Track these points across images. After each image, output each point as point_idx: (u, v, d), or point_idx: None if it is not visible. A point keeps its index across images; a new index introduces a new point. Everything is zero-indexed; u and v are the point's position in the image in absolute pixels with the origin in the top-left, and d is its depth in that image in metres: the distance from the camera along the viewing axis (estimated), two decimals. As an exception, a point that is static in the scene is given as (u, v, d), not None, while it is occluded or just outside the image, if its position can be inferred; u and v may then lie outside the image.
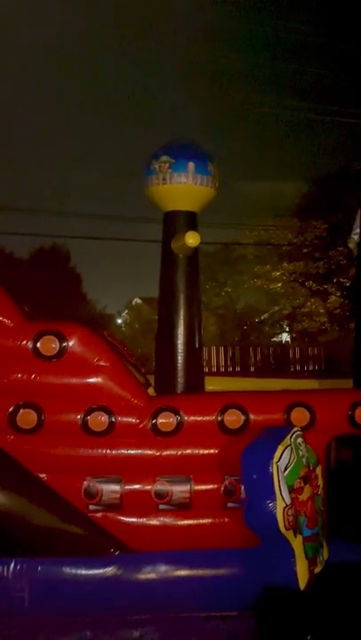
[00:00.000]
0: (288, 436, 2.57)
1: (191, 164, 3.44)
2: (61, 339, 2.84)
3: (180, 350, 3.47)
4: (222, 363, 14.16)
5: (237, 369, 13.98)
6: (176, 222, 3.57)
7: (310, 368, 13.87)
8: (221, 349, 14.39)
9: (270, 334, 19.96)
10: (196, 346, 3.55)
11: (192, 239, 3.33)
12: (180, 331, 3.49)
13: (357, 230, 3.56)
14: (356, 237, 3.57)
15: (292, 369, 13.84)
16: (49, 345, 2.82)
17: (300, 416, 2.90)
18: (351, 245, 3.65)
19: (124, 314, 30.39)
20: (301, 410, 2.91)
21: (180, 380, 3.45)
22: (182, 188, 3.47)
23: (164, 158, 3.48)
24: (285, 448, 2.50)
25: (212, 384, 4.18)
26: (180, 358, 3.47)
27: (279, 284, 18.16)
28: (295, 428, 2.68)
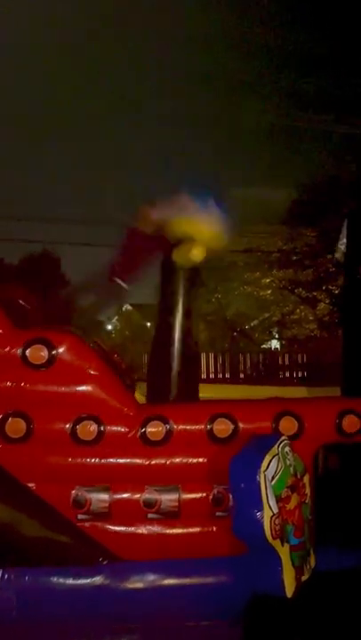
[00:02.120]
0: (276, 445, 2.59)
1: (215, 208, 3.42)
2: (50, 347, 2.84)
3: (175, 358, 3.43)
4: (212, 369, 14.19)
5: (227, 376, 14.02)
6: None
7: (300, 375, 13.93)
8: (211, 356, 14.42)
9: (260, 341, 20.04)
10: (192, 354, 3.53)
11: (197, 252, 3.33)
12: (177, 339, 3.46)
13: (344, 240, 3.60)
14: (342, 247, 3.61)
15: (281, 376, 13.90)
16: (38, 353, 2.82)
17: (288, 425, 2.92)
18: (338, 255, 3.69)
19: (113, 320, 30.33)
20: (289, 418, 2.93)
21: (174, 387, 3.43)
22: (203, 226, 3.42)
23: (191, 196, 3.44)
24: (273, 457, 2.52)
25: (201, 391, 4.19)
26: (176, 366, 3.44)
27: (269, 291, 18.27)
28: (283, 437, 2.71)
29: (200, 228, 3.36)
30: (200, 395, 3.95)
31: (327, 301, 16.46)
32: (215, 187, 3.56)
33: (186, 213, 3.35)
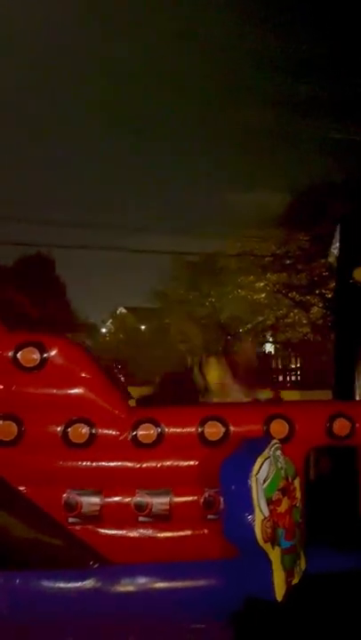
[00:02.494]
0: (267, 449, 2.60)
1: None
2: (42, 350, 2.84)
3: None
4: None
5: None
6: None
7: (293, 379, 13.97)
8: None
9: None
10: None
11: None
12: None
13: (336, 244, 3.62)
14: (335, 251, 3.63)
15: (274, 379, 13.93)
16: (30, 356, 2.82)
17: (279, 428, 2.93)
18: (331, 259, 3.72)
19: (108, 323, 30.30)
20: (280, 422, 2.95)
21: None
22: None
23: None
24: (265, 460, 2.53)
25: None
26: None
27: (263, 295, 18.34)
28: (274, 440, 2.72)
29: None
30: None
31: (320, 305, 16.53)
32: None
33: None
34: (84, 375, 2.89)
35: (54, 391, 2.86)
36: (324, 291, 16.05)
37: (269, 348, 20.35)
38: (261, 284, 18.05)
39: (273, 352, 19.17)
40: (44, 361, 2.83)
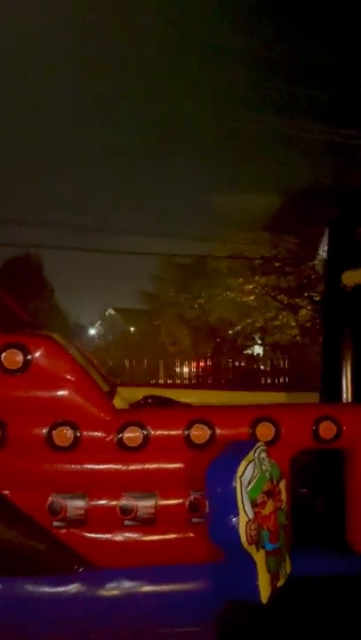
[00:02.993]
0: (252, 452, 2.60)
1: None
2: (26, 352, 2.82)
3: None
4: (194, 375, 14.20)
5: (209, 381, 14.05)
6: None
7: (281, 381, 14.02)
8: (193, 362, 14.44)
9: (243, 346, 20.15)
10: None
11: None
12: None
13: (325, 248, 3.64)
14: (323, 255, 3.64)
15: (263, 381, 13.97)
16: (13, 358, 2.80)
17: (265, 431, 2.93)
18: (317, 263, 3.73)
19: (97, 324, 30.24)
20: (267, 424, 2.95)
21: None
22: None
23: None
24: (249, 463, 2.53)
25: (183, 396, 4.20)
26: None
27: (252, 297, 18.42)
28: (259, 443, 2.72)
29: None
30: (182, 400, 3.96)
31: (309, 308, 16.63)
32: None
33: None
34: (68, 377, 2.87)
35: (38, 393, 2.84)
36: (312, 293, 16.15)
37: (258, 350, 20.42)
38: (250, 287, 18.12)
39: (261, 354, 19.23)
40: (27, 363, 2.81)
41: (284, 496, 2.77)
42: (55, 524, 2.82)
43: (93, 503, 2.85)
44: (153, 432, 2.89)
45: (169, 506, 2.89)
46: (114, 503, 2.87)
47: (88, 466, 2.86)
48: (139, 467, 2.88)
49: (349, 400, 3.41)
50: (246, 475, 2.50)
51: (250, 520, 2.45)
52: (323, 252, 3.62)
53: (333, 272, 3.59)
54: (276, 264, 16.84)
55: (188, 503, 2.90)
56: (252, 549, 2.48)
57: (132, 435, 2.87)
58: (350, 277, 3.46)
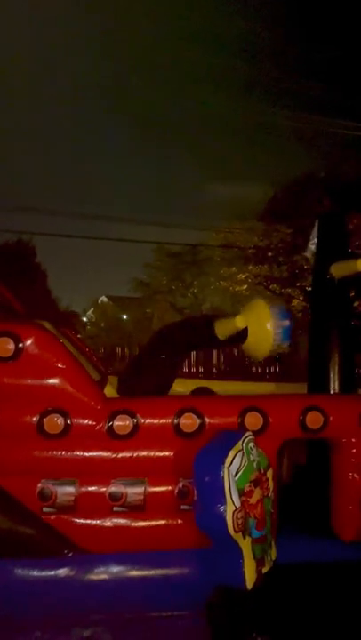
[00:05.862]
0: (240, 441, 2.64)
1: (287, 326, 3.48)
2: (17, 339, 2.83)
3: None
4: (185, 364, 14.25)
5: (200, 370, 14.11)
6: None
7: (272, 370, 14.11)
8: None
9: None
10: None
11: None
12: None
13: (314, 240, 3.66)
14: (312, 247, 3.67)
15: (254, 371, 14.05)
16: (4, 346, 2.81)
17: (253, 420, 2.97)
18: (308, 254, 3.75)
19: (89, 312, 30.14)
20: (255, 414, 2.98)
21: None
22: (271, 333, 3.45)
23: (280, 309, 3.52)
24: (237, 453, 2.57)
25: (176, 386, 4.23)
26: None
27: (244, 287, 18.43)
28: (247, 433, 2.76)
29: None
30: (175, 389, 3.99)
31: (301, 298, 16.68)
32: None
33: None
34: (59, 365, 2.89)
35: (29, 381, 2.85)
36: (304, 284, 16.19)
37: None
38: (243, 276, 18.14)
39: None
40: (19, 351, 2.82)
41: (271, 484, 2.82)
42: (45, 509, 2.86)
43: (83, 489, 2.89)
44: (143, 420, 2.92)
45: (158, 493, 2.93)
46: (103, 490, 2.90)
47: (78, 453, 2.89)
48: (128, 454, 2.92)
49: (336, 390, 3.46)
50: (234, 464, 2.54)
51: (237, 509, 2.50)
52: (312, 244, 3.64)
53: (322, 264, 3.61)
54: (269, 254, 16.87)
55: (176, 490, 2.94)
56: (238, 537, 2.53)
57: (121, 423, 2.90)
58: (338, 269, 3.48)
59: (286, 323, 3.44)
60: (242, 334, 3.54)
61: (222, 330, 3.58)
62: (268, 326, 3.43)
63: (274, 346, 3.44)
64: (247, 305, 3.65)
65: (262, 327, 3.44)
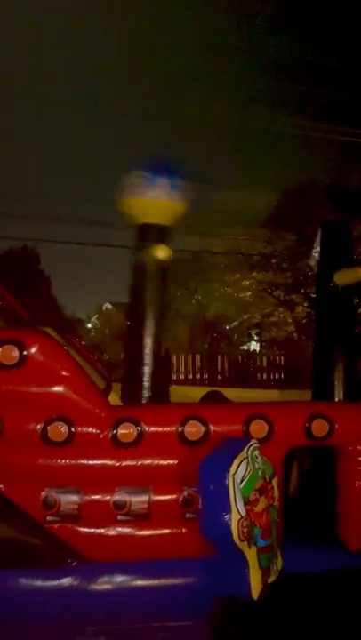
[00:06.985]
0: (245, 449, 2.62)
1: (164, 180, 3.48)
2: (22, 347, 2.83)
3: (147, 358, 3.49)
4: (190, 370, 14.22)
5: (205, 376, 14.06)
6: (147, 234, 3.58)
7: (276, 377, 14.06)
8: (190, 357, 14.45)
9: (239, 342, 20.15)
10: (163, 354, 3.58)
11: (162, 253, 3.41)
12: (148, 339, 3.51)
13: (318, 248, 3.65)
14: (316, 254, 3.66)
15: (258, 377, 14.00)
16: (9, 354, 2.81)
17: (258, 428, 2.95)
18: (312, 262, 3.75)
19: (93, 319, 30.14)
20: (260, 422, 2.97)
21: (146, 387, 3.48)
22: (154, 202, 3.49)
23: (139, 173, 3.51)
24: (242, 461, 2.55)
25: (177, 393, 4.21)
26: (147, 367, 3.49)
27: (249, 293, 18.40)
28: (252, 441, 2.74)
29: (150, 205, 3.40)
30: (182, 396, 3.98)
31: (305, 304, 16.64)
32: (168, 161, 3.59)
33: (135, 192, 3.42)
34: (64, 373, 2.88)
35: (34, 389, 2.85)
36: (308, 290, 16.15)
37: (254, 346, 20.44)
38: (247, 283, 18.11)
39: (258, 350, 19.26)
40: (23, 359, 2.82)
41: (276, 493, 2.80)
42: (49, 518, 2.84)
43: (87, 498, 2.87)
44: (147, 428, 2.90)
45: (162, 501, 2.91)
46: (107, 498, 2.89)
47: (82, 461, 2.88)
48: (132, 462, 2.90)
49: (341, 398, 3.44)
50: (239, 472, 2.53)
51: (242, 517, 2.48)
52: (315, 252, 3.63)
53: (325, 272, 3.60)
54: (273, 260, 16.85)
55: (181, 499, 2.92)
56: (243, 546, 2.51)
57: (126, 431, 2.88)
58: (342, 277, 3.48)
59: None
60: None
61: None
62: None
63: None
64: None
65: None
